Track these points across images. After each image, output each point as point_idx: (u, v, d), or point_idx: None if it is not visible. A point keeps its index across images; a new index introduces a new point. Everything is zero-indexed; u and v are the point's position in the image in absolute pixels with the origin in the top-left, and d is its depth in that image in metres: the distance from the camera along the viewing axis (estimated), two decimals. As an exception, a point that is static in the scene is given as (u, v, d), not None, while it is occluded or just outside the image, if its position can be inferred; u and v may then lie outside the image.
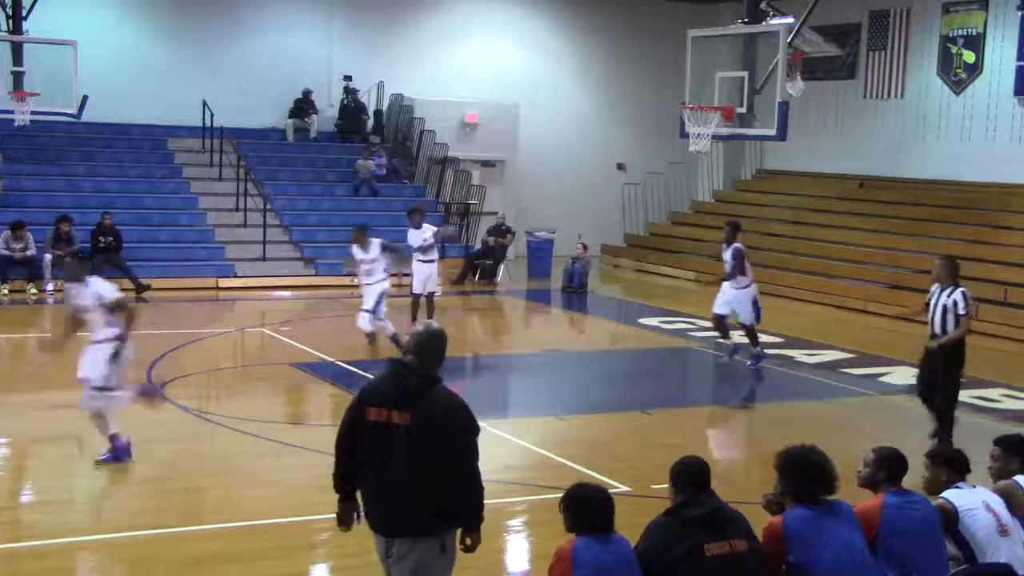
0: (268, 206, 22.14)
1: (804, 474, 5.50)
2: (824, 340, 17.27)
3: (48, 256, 19.40)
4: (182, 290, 20.17)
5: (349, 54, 25.89)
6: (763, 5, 15.61)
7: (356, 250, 14.53)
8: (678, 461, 5.47)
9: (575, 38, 28.37)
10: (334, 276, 20.27)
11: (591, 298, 21.99)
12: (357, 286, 14.97)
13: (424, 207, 17.83)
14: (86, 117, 20.17)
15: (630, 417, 12.31)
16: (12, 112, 18.97)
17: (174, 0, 24.68)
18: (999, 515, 5.88)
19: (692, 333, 17.45)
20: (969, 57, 22.89)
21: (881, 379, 14.50)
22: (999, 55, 22.14)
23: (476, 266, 23.30)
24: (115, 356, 9.70)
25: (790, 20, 15.49)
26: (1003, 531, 5.83)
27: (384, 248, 14.41)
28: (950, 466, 6.16)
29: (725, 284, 14.93)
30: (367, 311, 14.13)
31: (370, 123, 26.05)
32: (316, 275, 21.42)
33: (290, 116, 25.18)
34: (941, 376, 11.04)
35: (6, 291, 19.27)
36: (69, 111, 19.40)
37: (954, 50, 23.17)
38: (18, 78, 18.85)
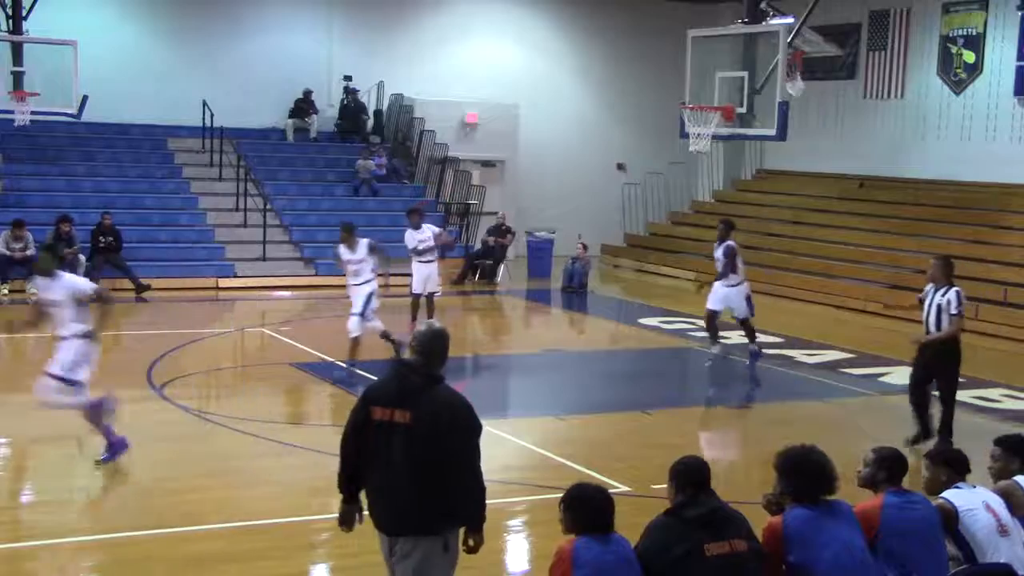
0: (268, 206, 22.14)
1: (804, 474, 5.50)
2: (824, 340, 17.27)
3: (48, 256, 19.38)
4: (182, 290, 20.18)
5: (349, 54, 25.89)
6: (763, 5, 15.62)
7: (343, 250, 14.07)
8: (678, 461, 5.47)
9: (575, 38, 28.37)
10: (334, 276, 20.24)
11: (591, 298, 21.99)
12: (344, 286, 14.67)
13: (424, 207, 17.79)
14: (86, 117, 20.17)
15: (630, 417, 12.31)
16: (12, 112, 18.97)
17: (174, 0, 24.68)
18: (999, 515, 5.88)
19: (692, 333, 17.43)
20: (969, 57, 22.89)
21: (881, 379, 14.50)
22: (999, 55, 22.14)
23: (476, 266, 23.30)
24: (84, 352, 9.53)
25: (790, 20, 15.50)
26: (1003, 531, 5.83)
27: (371, 249, 13.97)
28: (950, 466, 6.15)
29: (716, 284, 14.96)
30: (357, 315, 13.73)
31: (370, 123, 26.05)
32: (316, 275, 21.42)
33: (290, 116, 25.19)
34: (937, 375, 11.05)
35: (6, 291, 19.28)
36: (69, 111, 19.40)
37: (954, 50, 23.17)
38: (18, 78, 18.85)
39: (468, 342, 16.91)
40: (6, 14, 19.65)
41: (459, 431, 5.50)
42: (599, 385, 14.68)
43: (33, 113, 19.07)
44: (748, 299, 14.88)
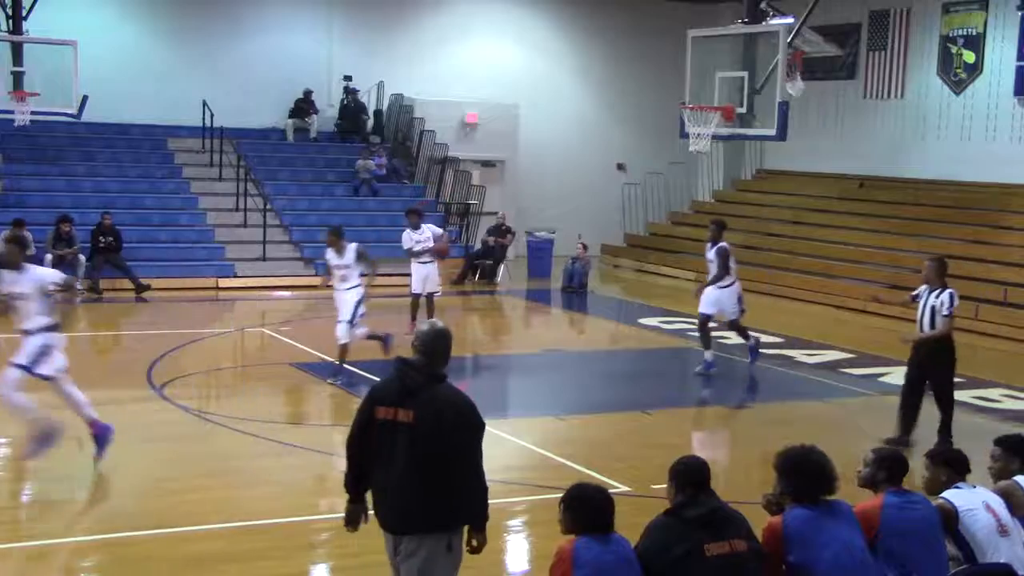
0: (268, 206, 22.14)
1: (804, 474, 5.50)
2: (824, 340, 17.28)
3: (49, 256, 19.39)
4: (182, 290, 20.18)
5: (349, 54, 25.89)
6: (763, 5, 15.62)
7: (330, 254, 13.66)
8: (677, 461, 5.47)
9: (575, 38, 28.37)
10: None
11: (591, 298, 21.99)
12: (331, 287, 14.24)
13: (423, 208, 17.75)
14: (86, 117, 20.17)
15: (630, 417, 12.31)
16: (12, 112, 18.97)
17: (174, 0, 24.69)
18: (999, 515, 5.88)
19: (692, 333, 17.38)
20: (969, 57, 22.89)
21: (881, 379, 14.50)
22: (999, 55, 22.15)
23: (476, 266, 23.30)
24: (48, 346, 9.44)
25: (790, 20, 15.50)
26: (1003, 531, 5.83)
27: (359, 255, 13.58)
28: (950, 466, 6.16)
29: (709, 288, 14.80)
30: (346, 322, 13.40)
31: (370, 123, 26.05)
32: (316, 275, 21.32)
33: (290, 116, 25.19)
34: (929, 375, 11.07)
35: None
36: (69, 111, 19.40)
37: (954, 50, 23.17)
38: (18, 78, 18.85)
39: (468, 342, 16.91)
40: (6, 14, 19.65)
41: (462, 429, 5.52)
42: (599, 385, 14.68)
43: (33, 113, 19.07)
44: (739, 299, 14.79)
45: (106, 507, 9.20)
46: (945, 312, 10.80)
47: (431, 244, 16.29)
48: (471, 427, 5.56)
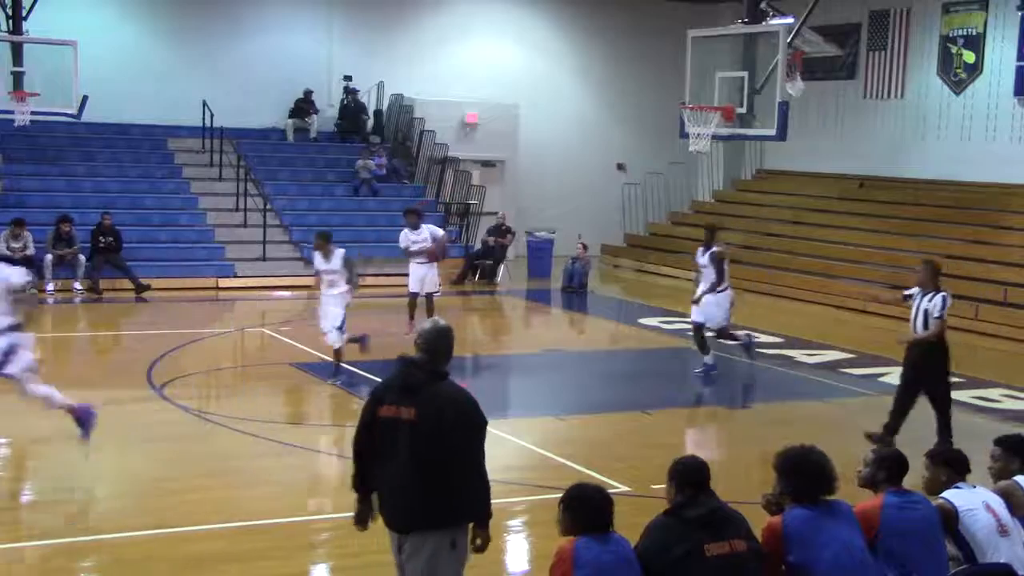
0: (268, 206, 22.14)
1: (804, 474, 5.50)
2: (824, 340, 17.27)
3: (49, 256, 19.41)
4: (182, 290, 20.17)
5: (349, 54, 25.89)
6: (763, 5, 15.61)
7: (318, 259, 13.57)
8: (677, 461, 5.47)
9: (575, 38, 28.37)
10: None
11: (591, 298, 21.99)
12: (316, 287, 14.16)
13: (422, 208, 17.73)
14: (86, 117, 20.15)
15: (630, 417, 12.31)
16: (12, 112, 18.96)
17: (174, 0, 24.69)
18: (999, 515, 5.88)
19: (692, 333, 17.41)
20: (969, 57, 22.89)
21: (881, 379, 14.48)
22: (999, 55, 22.15)
23: (476, 266, 23.30)
24: (14, 344, 9.45)
25: (790, 20, 15.49)
26: (1003, 531, 5.83)
27: (346, 262, 13.45)
28: (950, 466, 6.16)
29: (706, 296, 14.58)
30: (336, 328, 13.30)
31: (370, 123, 26.04)
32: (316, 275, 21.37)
33: (290, 116, 25.19)
34: (923, 375, 11.07)
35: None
36: (69, 111, 19.39)
37: (954, 50, 23.17)
38: (18, 78, 18.84)
39: (468, 342, 16.90)
40: (6, 14, 19.64)
41: (464, 427, 5.53)
42: (599, 385, 14.68)
43: (33, 113, 19.05)
44: (732, 304, 14.57)
45: (106, 507, 9.20)
46: (937, 315, 10.83)
47: (428, 245, 16.25)
48: (473, 425, 5.57)
